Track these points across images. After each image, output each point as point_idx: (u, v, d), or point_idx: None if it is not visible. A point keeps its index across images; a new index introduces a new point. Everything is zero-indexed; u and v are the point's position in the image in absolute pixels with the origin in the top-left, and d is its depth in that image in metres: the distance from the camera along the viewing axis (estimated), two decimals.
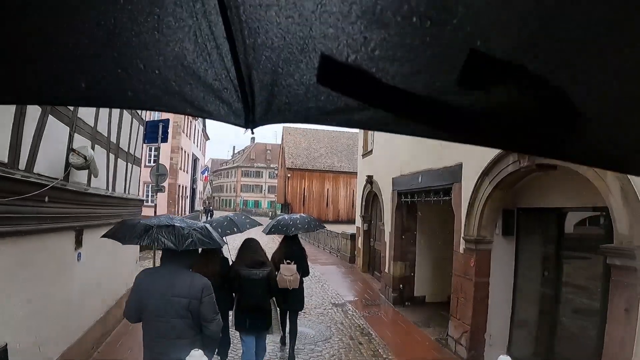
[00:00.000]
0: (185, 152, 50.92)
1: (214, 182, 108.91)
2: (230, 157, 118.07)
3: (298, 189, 52.54)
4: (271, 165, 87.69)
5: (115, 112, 9.24)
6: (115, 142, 9.33)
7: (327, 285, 15.23)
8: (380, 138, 15.75)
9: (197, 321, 4.11)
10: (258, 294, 6.28)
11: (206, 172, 62.74)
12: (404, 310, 12.37)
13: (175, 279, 4.10)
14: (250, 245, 6.72)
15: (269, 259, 7.09)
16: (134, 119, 11.05)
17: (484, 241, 8.46)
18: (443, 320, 10.69)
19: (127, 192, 10.56)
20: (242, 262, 6.43)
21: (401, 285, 13.06)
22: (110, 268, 9.03)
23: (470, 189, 8.66)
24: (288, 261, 7.84)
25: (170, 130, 13.43)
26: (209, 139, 70.69)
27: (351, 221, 47.81)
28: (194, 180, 58.86)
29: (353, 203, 51.54)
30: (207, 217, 49.56)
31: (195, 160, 58.45)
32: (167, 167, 44.56)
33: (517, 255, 8.64)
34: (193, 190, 59.40)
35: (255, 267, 6.32)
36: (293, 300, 8.07)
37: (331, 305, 12.55)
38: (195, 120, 55.24)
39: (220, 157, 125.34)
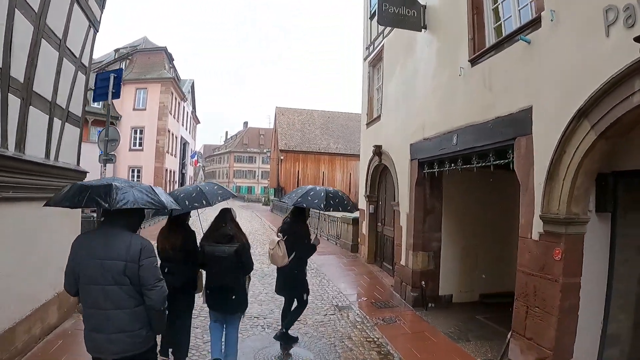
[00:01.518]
0: (173, 134, 48.95)
1: (206, 169, 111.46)
2: (223, 143, 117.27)
3: (292, 171, 49.64)
4: (264, 150, 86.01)
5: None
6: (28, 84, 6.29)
7: (327, 281, 12.28)
8: (391, 98, 12.76)
9: (137, 289, 3.67)
10: (223, 272, 5.73)
11: (195, 156, 60.58)
12: (429, 315, 9.46)
13: (111, 240, 3.68)
14: (222, 217, 6.02)
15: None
16: (79, 72, 8.34)
17: (576, 221, 5.58)
18: (483, 329, 8.61)
19: (53, 157, 7.46)
20: (210, 236, 5.90)
21: (423, 282, 10.11)
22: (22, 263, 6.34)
23: (551, 144, 5.76)
24: (279, 234, 7.21)
25: (120, 86, 10.26)
26: (199, 122, 69.02)
27: None
28: (183, 165, 57.17)
29: (350, 187, 49.64)
30: None
31: (184, 144, 56.87)
32: (153, 150, 43.01)
33: (612, 242, 5.80)
34: (182, 175, 57.81)
35: (222, 243, 5.75)
36: (283, 285, 7.57)
37: (334, 310, 9.60)
38: (184, 101, 52.94)
39: (213, 142, 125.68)
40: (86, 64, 8.82)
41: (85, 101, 9.09)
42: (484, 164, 7.61)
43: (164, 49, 49.09)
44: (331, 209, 7.18)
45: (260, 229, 26.76)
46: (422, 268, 10.16)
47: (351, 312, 9.42)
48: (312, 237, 7.54)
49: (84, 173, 8.97)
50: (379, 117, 14.01)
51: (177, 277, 5.62)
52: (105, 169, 10.17)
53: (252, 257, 6.08)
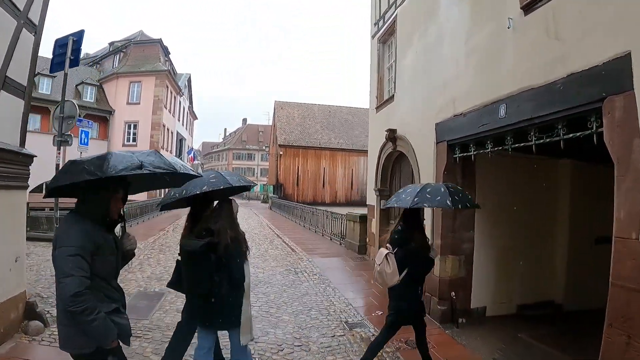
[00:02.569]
0: (168, 129, 47.52)
1: (205, 166, 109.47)
2: (222, 140, 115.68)
3: (291, 168, 47.80)
4: (264, 147, 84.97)
5: None
6: None
7: (332, 289, 10.33)
8: (407, 74, 10.91)
9: None
10: (195, 274, 4.61)
11: (192, 152, 59.04)
12: (461, 335, 7.60)
13: None
14: (217, 209, 4.81)
15: None
16: (24, 30, 6.64)
17: None
18: (535, 354, 6.88)
19: None
20: (194, 230, 4.77)
21: (453, 294, 8.23)
22: None
23: None
24: (388, 246, 5.69)
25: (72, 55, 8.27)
26: (197, 118, 67.69)
27: (350, 203, 44.53)
28: None
29: (352, 184, 48.32)
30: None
31: (181, 140, 55.56)
32: (147, 145, 41.41)
33: None
34: None
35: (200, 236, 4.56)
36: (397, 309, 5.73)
37: (343, 328, 7.65)
38: (180, 96, 51.45)
39: (212, 140, 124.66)
40: (36, 22, 7.01)
41: (33, 69, 7.11)
42: (548, 139, 5.68)
43: (159, 41, 47.68)
44: (459, 206, 5.56)
45: (256, 227, 24.90)
46: (452, 276, 8.29)
47: (365, 330, 7.52)
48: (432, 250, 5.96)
49: (30, 157, 7.11)
50: (391, 97, 12.09)
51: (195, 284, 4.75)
52: (60, 154, 8.19)
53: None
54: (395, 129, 11.14)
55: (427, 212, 8.98)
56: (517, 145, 6.40)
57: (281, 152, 47.75)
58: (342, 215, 18.00)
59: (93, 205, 3.29)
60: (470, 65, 7.69)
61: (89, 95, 42.33)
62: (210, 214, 4.77)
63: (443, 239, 8.32)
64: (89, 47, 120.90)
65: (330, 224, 19.86)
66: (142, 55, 45.28)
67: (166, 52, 48.61)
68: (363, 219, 15.12)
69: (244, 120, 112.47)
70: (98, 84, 43.87)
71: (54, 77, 39.85)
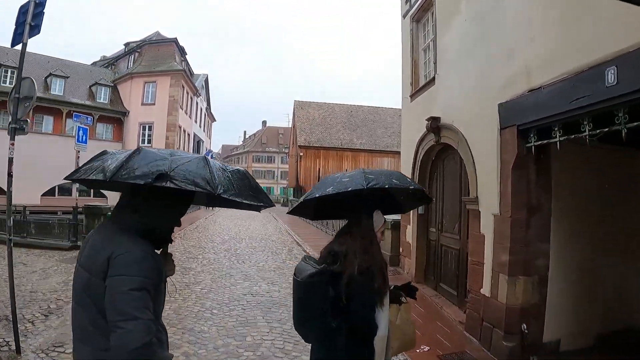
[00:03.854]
0: (184, 130, 46.41)
1: None
2: (241, 142, 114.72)
3: (312, 169, 45.47)
4: (284, 150, 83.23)
5: None
6: None
7: None
8: (453, 50, 8.94)
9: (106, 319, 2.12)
10: (301, 312, 3.09)
11: (210, 154, 57.70)
12: None
13: (98, 238, 2.39)
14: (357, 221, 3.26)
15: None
16: None
17: None
18: None
19: None
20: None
21: (524, 326, 6.18)
22: None
23: None
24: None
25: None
26: (215, 120, 66.51)
27: None
28: None
29: None
30: (207, 205, 43.95)
31: (198, 142, 54.67)
32: (163, 146, 40.11)
33: None
34: None
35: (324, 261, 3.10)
36: None
37: None
38: (197, 97, 50.22)
39: (232, 143, 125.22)
40: None
41: None
42: None
43: (175, 41, 46.44)
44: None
45: (274, 233, 22.76)
46: (524, 302, 6.30)
47: None
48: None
49: None
50: (431, 80, 10.04)
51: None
52: (13, 144, 6.33)
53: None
54: (439, 117, 9.15)
55: (487, 221, 7.04)
56: (634, 124, 4.44)
57: (301, 154, 45.72)
58: None
59: (161, 220, 2.41)
60: (551, 21, 5.70)
61: (103, 97, 41.60)
62: (344, 230, 3.32)
63: (512, 254, 6.35)
64: (107, 50, 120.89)
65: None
66: (157, 55, 44.21)
67: (182, 52, 47.43)
68: (396, 226, 13.02)
69: (264, 122, 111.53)
70: (112, 84, 43.04)
71: (67, 77, 38.89)
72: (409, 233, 11.66)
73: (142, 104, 41.93)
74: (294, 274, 3.08)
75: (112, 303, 2.08)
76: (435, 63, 9.88)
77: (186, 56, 48.50)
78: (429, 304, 9.18)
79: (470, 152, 7.78)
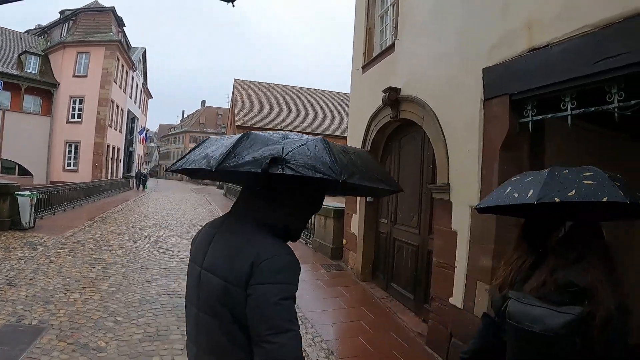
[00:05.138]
0: (117, 106, 43.54)
1: (161, 149, 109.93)
2: (179, 122, 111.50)
3: None
4: (222, 131, 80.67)
5: None
6: None
7: (302, 322, 6.72)
8: (423, 5, 7.31)
9: (245, 332, 1.84)
10: None
11: (143, 132, 55.16)
12: None
13: (224, 237, 2.02)
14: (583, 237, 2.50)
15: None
16: None
17: None
18: None
19: None
20: (537, 277, 2.51)
21: None
22: None
23: None
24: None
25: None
26: (151, 97, 63.75)
27: None
28: (130, 142, 52.46)
29: None
30: (138, 186, 41.76)
31: (133, 119, 51.77)
32: (94, 123, 37.63)
33: None
34: (130, 154, 53.03)
35: (551, 301, 2.32)
36: None
37: None
38: (133, 71, 47.53)
39: (170, 122, 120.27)
40: None
41: None
42: None
43: (112, 10, 42.83)
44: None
45: (206, 218, 20.51)
46: None
47: None
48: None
49: None
50: (390, 47, 8.43)
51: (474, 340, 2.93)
52: None
53: None
54: (399, 88, 7.61)
55: (460, 214, 5.68)
56: None
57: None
58: None
59: (299, 215, 2.06)
60: None
61: (32, 66, 37.89)
62: (563, 249, 2.48)
63: (499, 258, 4.84)
64: (44, 19, 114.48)
65: None
66: (93, 24, 40.70)
67: (120, 22, 44.01)
68: (339, 215, 11.46)
69: (203, 102, 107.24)
70: (43, 54, 39.28)
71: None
72: (355, 223, 10.11)
73: (74, 75, 38.72)
74: (512, 320, 2.41)
75: (260, 315, 1.76)
76: (396, 27, 8.27)
77: (124, 28, 45.25)
78: (379, 308, 7.68)
79: (441, 129, 6.25)
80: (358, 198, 9.69)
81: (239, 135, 1.89)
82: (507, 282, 2.86)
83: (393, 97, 7.59)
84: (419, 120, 6.99)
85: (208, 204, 28.52)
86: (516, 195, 2.52)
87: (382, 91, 7.82)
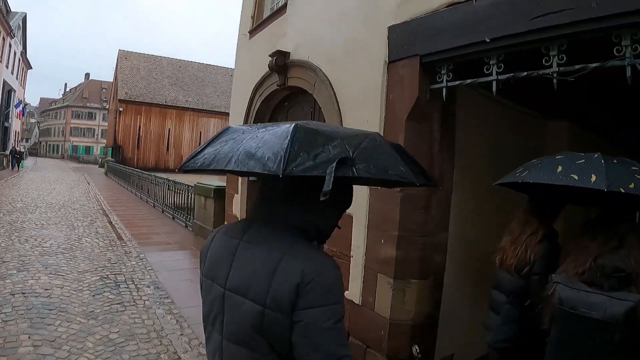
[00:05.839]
0: None
1: (41, 125, 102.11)
2: (61, 96, 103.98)
3: (132, 127, 40.54)
4: (106, 106, 76.07)
5: None
6: None
7: (177, 321, 5.76)
8: None
9: None
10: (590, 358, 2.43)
11: (20, 105, 50.55)
12: None
13: (247, 250, 1.70)
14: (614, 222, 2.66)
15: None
16: None
17: None
18: None
19: None
20: (570, 267, 2.65)
21: (416, 349, 4.18)
22: None
23: None
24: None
25: None
26: (31, 67, 58.19)
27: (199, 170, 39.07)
28: (6, 116, 46.84)
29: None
30: (13, 165, 37.96)
31: (9, 91, 46.37)
32: None
33: None
34: (5, 129, 47.46)
35: (600, 286, 2.43)
36: None
37: None
38: (11, 38, 43.19)
39: (52, 96, 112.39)
40: None
41: None
42: None
43: None
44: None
45: (82, 198, 18.49)
46: (417, 316, 4.29)
47: None
48: None
49: None
50: (282, 8, 7.37)
51: (503, 328, 3.23)
52: None
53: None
54: (288, 52, 6.63)
55: (359, 193, 4.82)
56: None
57: (121, 109, 40.37)
58: (188, 186, 13.07)
59: (332, 219, 1.79)
60: None
61: None
62: (603, 236, 2.53)
63: (403, 247, 4.21)
64: None
65: (172, 197, 14.69)
66: None
67: None
68: (219, 194, 10.36)
69: (87, 75, 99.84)
70: None
71: None
72: (237, 204, 9.08)
73: None
74: (565, 306, 2.46)
75: (312, 343, 1.53)
76: None
77: None
78: None
79: (335, 97, 5.39)
80: (239, 178, 8.67)
81: (285, 126, 1.58)
82: (524, 261, 3.14)
83: (281, 62, 6.58)
84: (309, 88, 6.08)
85: (86, 184, 25.89)
86: (576, 177, 2.49)
87: (269, 55, 6.79)
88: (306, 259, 1.57)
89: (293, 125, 1.55)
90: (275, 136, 1.56)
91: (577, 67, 2.98)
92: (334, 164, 1.44)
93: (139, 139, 40.72)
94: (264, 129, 1.66)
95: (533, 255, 3.17)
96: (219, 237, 1.88)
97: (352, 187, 1.84)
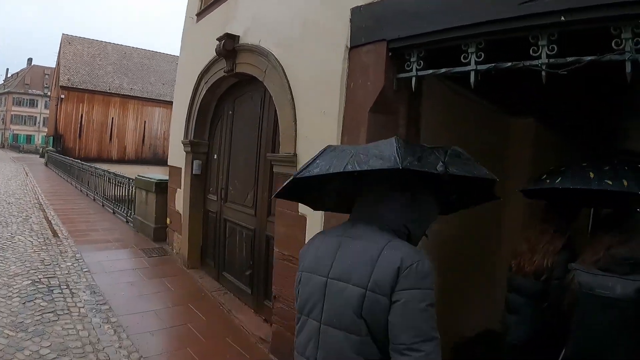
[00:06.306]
0: None
1: None
2: (2, 82, 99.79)
3: (74, 115, 38.08)
4: (48, 93, 73.20)
5: None
6: None
7: (115, 331, 5.10)
8: None
9: (380, 345, 1.76)
10: (604, 332, 2.75)
11: None
12: None
13: (350, 244, 1.92)
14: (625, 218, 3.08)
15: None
16: None
17: None
18: None
19: None
20: (589, 255, 2.96)
21: None
22: None
23: None
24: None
25: None
26: None
27: (141, 161, 38.18)
28: None
29: (144, 139, 40.97)
30: None
31: None
32: None
33: None
34: None
35: (615, 272, 2.76)
36: None
37: None
38: None
39: None
40: None
41: None
42: None
43: None
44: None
45: (18, 191, 17.07)
46: None
47: None
48: None
49: None
50: None
51: (521, 327, 3.42)
52: None
53: None
54: (237, 36, 6.02)
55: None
56: None
57: (62, 96, 37.94)
58: (129, 179, 12.11)
59: (428, 218, 2.04)
60: None
61: None
62: (615, 231, 2.94)
63: None
64: None
65: (113, 190, 13.68)
66: None
67: None
68: (161, 188, 9.54)
69: (29, 60, 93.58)
70: None
71: None
72: (179, 199, 8.39)
73: None
74: (584, 289, 2.82)
75: (407, 322, 1.70)
76: None
77: None
78: (211, 305, 6.21)
79: (289, 84, 4.85)
80: (183, 170, 8.14)
81: (388, 139, 1.89)
82: (542, 268, 3.34)
83: (229, 47, 5.98)
84: (259, 75, 5.49)
85: (24, 176, 24.13)
86: (610, 182, 2.75)
87: (217, 39, 6.17)
88: (405, 250, 1.76)
89: (394, 137, 1.87)
90: (382, 145, 1.85)
91: (569, 59, 2.65)
92: (444, 164, 1.78)
93: (80, 128, 38.76)
94: (364, 146, 2.01)
95: (551, 264, 3.32)
96: (320, 238, 2.09)
97: (437, 200, 2.03)
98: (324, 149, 2.07)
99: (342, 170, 1.82)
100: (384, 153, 1.77)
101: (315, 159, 2.01)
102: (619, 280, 2.68)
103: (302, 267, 2.04)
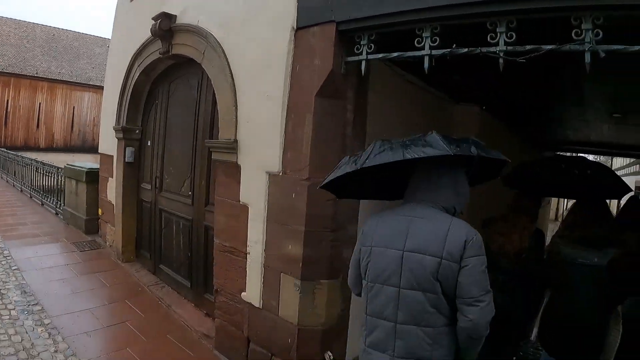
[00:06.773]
0: None
1: None
2: None
3: None
4: None
5: None
6: None
7: (48, 332, 4.74)
8: None
9: (450, 301, 2.22)
10: (583, 296, 3.31)
11: None
12: None
13: (418, 224, 2.28)
14: (597, 208, 3.63)
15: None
16: None
17: None
18: None
19: None
20: (569, 234, 3.57)
21: (329, 355, 3.73)
22: None
23: None
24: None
25: None
26: None
27: (70, 149, 36.36)
28: None
29: (73, 125, 38.86)
30: None
31: None
32: None
33: None
34: None
35: (589, 246, 3.37)
36: None
37: None
38: None
39: None
40: None
41: None
42: None
43: None
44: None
45: None
46: (329, 320, 3.82)
47: None
48: None
49: None
50: None
51: (512, 299, 3.74)
52: None
53: None
54: (175, 15, 5.61)
55: (255, 182, 4.20)
56: None
57: None
58: (58, 168, 11.30)
59: (465, 201, 2.43)
60: None
61: None
62: (587, 216, 3.58)
63: (311, 244, 3.68)
64: None
65: (41, 180, 12.75)
66: None
67: None
68: (92, 178, 8.93)
69: None
70: None
71: None
72: (112, 189, 7.87)
73: None
74: (568, 259, 3.41)
75: (474, 280, 2.18)
76: None
77: None
78: (149, 300, 5.89)
79: (229, 66, 4.56)
80: (115, 159, 7.63)
81: (431, 134, 2.23)
82: (520, 250, 3.91)
83: (165, 27, 5.56)
84: (198, 56, 5.15)
85: None
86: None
87: (153, 19, 5.72)
88: (466, 227, 2.21)
89: (433, 131, 2.22)
90: (425, 137, 2.20)
91: (528, 47, 2.63)
92: (477, 148, 2.19)
93: (6, 114, 36.56)
94: (403, 139, 2.24)
95: (525, 245, 3.92)
96: (383, 219, 2.40)
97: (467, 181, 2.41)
98: (374, 143, 2.29)
99: (402, 159, 2.10)
100: (432, 143, 2.13)
101: (369, 153, 2.24)
102: (596, 252, 3.31)
103: (373, 242, 2.35)
